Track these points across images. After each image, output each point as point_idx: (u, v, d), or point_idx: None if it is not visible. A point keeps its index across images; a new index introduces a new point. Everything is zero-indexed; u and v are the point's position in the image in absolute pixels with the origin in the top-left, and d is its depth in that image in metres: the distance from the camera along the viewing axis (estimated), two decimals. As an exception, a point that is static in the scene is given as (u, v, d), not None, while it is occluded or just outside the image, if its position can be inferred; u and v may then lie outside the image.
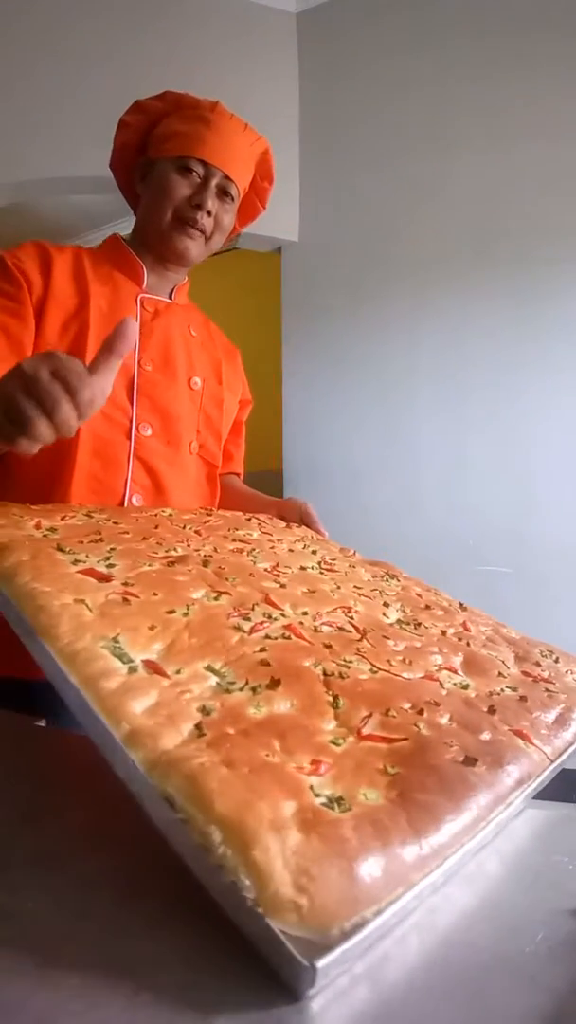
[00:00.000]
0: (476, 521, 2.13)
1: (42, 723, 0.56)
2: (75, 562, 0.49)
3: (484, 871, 0.35)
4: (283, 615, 0.51)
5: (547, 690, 0.51)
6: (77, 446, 0.82)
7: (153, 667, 0.39)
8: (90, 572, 0.48)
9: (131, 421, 0.87)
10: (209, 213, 0.90)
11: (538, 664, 0.57)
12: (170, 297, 0.99)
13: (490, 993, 0.26)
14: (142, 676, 0.38)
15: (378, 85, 2.42)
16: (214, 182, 0.89)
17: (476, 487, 2.15)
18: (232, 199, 0.93)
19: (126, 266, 0.95)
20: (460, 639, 0.57)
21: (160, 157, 0.90)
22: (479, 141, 2.22)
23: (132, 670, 0.38)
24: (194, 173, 0.88)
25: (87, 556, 0.51)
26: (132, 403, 0.88)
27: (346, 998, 0.25)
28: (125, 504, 0.85)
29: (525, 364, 2.10)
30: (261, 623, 0.48)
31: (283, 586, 0.57)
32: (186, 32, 2.41)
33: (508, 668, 0.54)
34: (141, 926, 0.29)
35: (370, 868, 0.27)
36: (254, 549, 0.66)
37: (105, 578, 0.48)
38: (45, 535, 0.54)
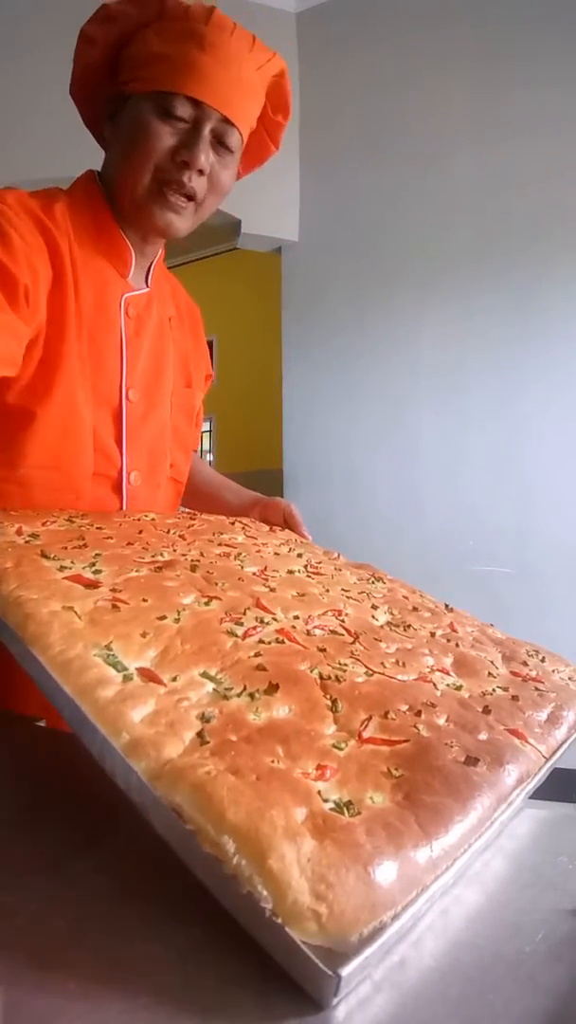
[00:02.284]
0: (476, 521, 2.13)
1: (42, 723, 0.56)
2: (61, 568, 0.48)
3: (491, 869, 0.35)
4: (275, 619, 0.51)
5: (537, 689, 0.51)
6: (76, 506, 0.69)
7: (148, 675, 0.39)
8: (77, 578, 0.47)
9: (120, 472, 0.73)
10: (201, 172, 0.67)
11: (525, 664, 0.57)
12: (147, 282, 0.78)
13: (490, 993, 0.26)
14: (138, 684, 0.37)
15: (378, 85, 2.42)
16: (207, 127, 0.66)
17: (476, 487, 2.15)
18: (232, 151, 0.70)
19: (111, 249, 0.73)
20: (448, 640, 0.58)
21: (134, 91, 0.67)
22: (479, 140, 2.23)
23: (127, 678, 0.37)
24: (180, 116, 0.65)
25: (72, 562, 0.50)
26: (121, 449, 0.72)
27: (345, 998, 0.25)
28: None
29: (526, 364, 2.11)
30: (254, 628, 0.48)
31: (272, 590, 0.57)
32: (186, 32, 2.41)
33: (497, 668, 0.54)
34: (141, 926, 0.29)
35: (385, 872, 0.27)
36: (240, 553, 0.65)
37: (93, 584, 0.47)
38: (27, 541, 0.53)
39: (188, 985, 0.25)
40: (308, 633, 0.51)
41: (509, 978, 0.27)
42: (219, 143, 0.68)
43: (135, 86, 0.67)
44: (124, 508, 0.74)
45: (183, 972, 0.26)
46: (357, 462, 2.39)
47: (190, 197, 0.69)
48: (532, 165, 2.13)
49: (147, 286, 0.78)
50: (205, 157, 0.66)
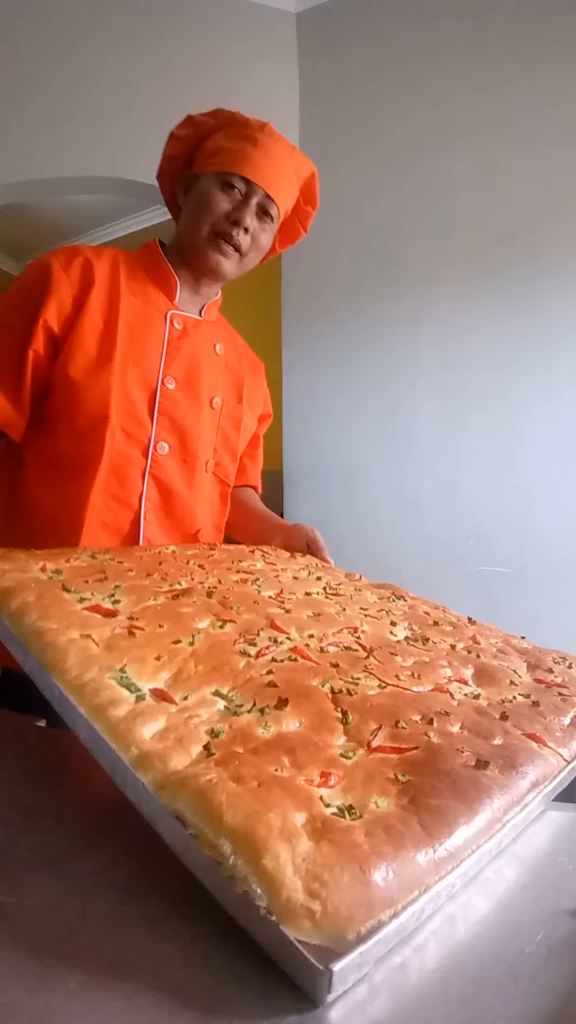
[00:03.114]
0: (476, 521, 2.13)
1: (42, 723, 0.56)
2: (81, 600, 0.50)
3: (503, 877, 0.35)
4: (288, 639, 0.51)
5: (560, 694, 0.50)
6: (99, 461, 0.84)
7: (160, 695, 0.39)
8: (96, 608, 0.49)
9: (150, 439, 0.88)
10: (246, 230, 0.89)
11: (551, 671, 0.56)
12: (200, 313, 0.99)
13: (490, 993, 0.26)
14: (149, 703, 0.38)
15: (378, 85, 2.43)
16: (255, 200, 0.89)
17: (475, 487, 2.15)
18: (272, 219, 0.92)
19: (160, 278, 0.95)
20: (470, 651, 0.57)
21: (204, 172, 0.90)
22: (479, 138, 2.24)
23: (140, 698, 0.38)
24: (235, 190, 0.88)
25: (92, 594, 0.52)
26: (152, 420, 0.89)
27: (345, 998, 0.25)
28: (141, 520, 0.87)
29: (526, 366, 2.11)
30: (267, 647, 0.48)
31: (288, 611, 0.58)
32: (186, 33, 2.41)
33: (520, 677, 0.53)
34: (141, 926, 0.29)
35: (383, 872, 0.27)
36: (258, 579, 0.66)
37: (111, 613, 0.49)
38: (50, 577, 0.55)
39: (188, 985, 0.25)
40: (322, 650, 0.51)
41: (509, 979, 0.27)
42: (262, 212, 0.91)
43: (205, 168, 0.90)
44: (148, 468, 0.88)
45: (183, 972, 0.26)
46: (356, 462, 2.38)
47: (236, 248, 0.91)
48: (532, 163, 2.13)
49: (199, 316, 0.99)
50: (250, 219, 0.89)
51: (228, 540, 1.06)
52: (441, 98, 2.30)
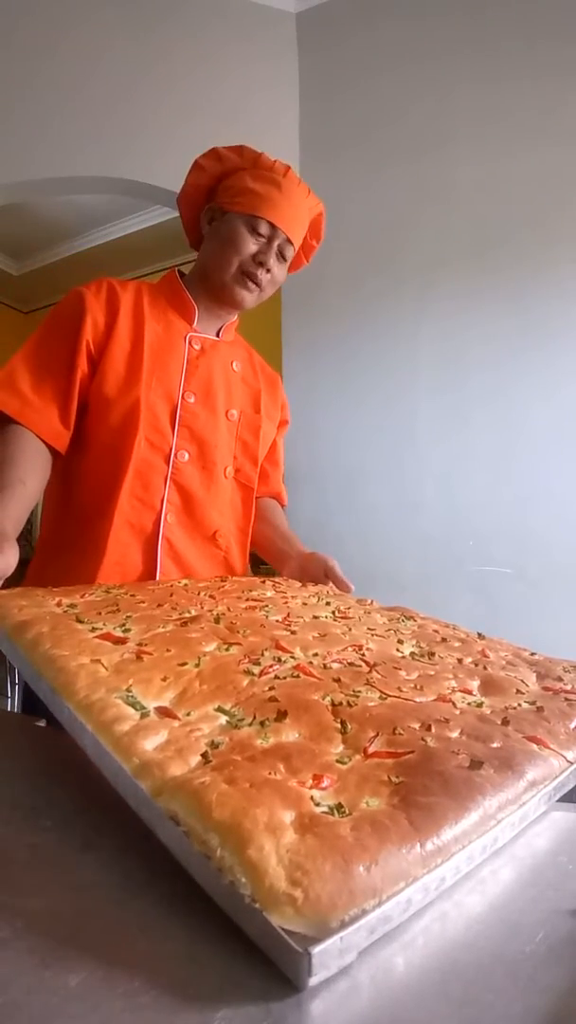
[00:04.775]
0: (476, 521, 2.12)
1: (42, 723, 0.56)
2: (92, 629, 0.53)
3: (503, 877, 0.35)
4: (292, 657, 0.52)
5: (567, 699, 0.50)
6: (127, 467, 0.92)
7: (164, 712, 0.41)
8: (107, 636, 0.51)
9: (171, 448, 0.97)
10: (268, 270, 1.00)
11: (560, 679, 0.56)
12: (218, 335, 1.08)
13: (490, 993, 0.26)
14: (153, 719, 0.40)
15: (378, 85, 2.43)
16: (277, 243, 0.98)
17: (476, 487, 2.15)
18: (286, 259, 1.03)
19: (180, 305, 1.05)
20: (477, 664, 0.57)
21: (232, 210, 0.98)
22: (479, 138, 2.24)
23: (144, 715, 0.40)
24: (260, 232, 0.97)
25: (104, 624, 0.54)
26: (173, 431, 0.98)
27: (347, 1000, 0.25)
28: (162, 520, 0.95)
29: (526, 366, 2.11)
30: (270, 666, 0.49)
31: (293, 633, 0.59)
32: (186, 33, 2.42)
33: (528, 686, 0.53)
34: (141, 926, 0.29)
35: (366, 862, 0.28)
36: (267, 605, 0.68)
37: (120, 640, 0.51)
38: (65, 611, 0.58)
39: (188, 984, 0.25)
40: (325, 667, 0.51)
41: (509, 978, 0.27)
42: (280, 254, 1.01)
43: (233, 207, 0.98)
44: (170, 474, 0.96)
45: (183, 971, 0.26)
46: (356, 462, 2.38)
47: (258, 285, 1.01)
48: (532, 162, 2.13)
49: (217, 337, 1.08)
50: (273, 262, 1.00)
51: (253, 556, 1.13)
52: (441, 98, 2.31)
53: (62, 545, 0.97)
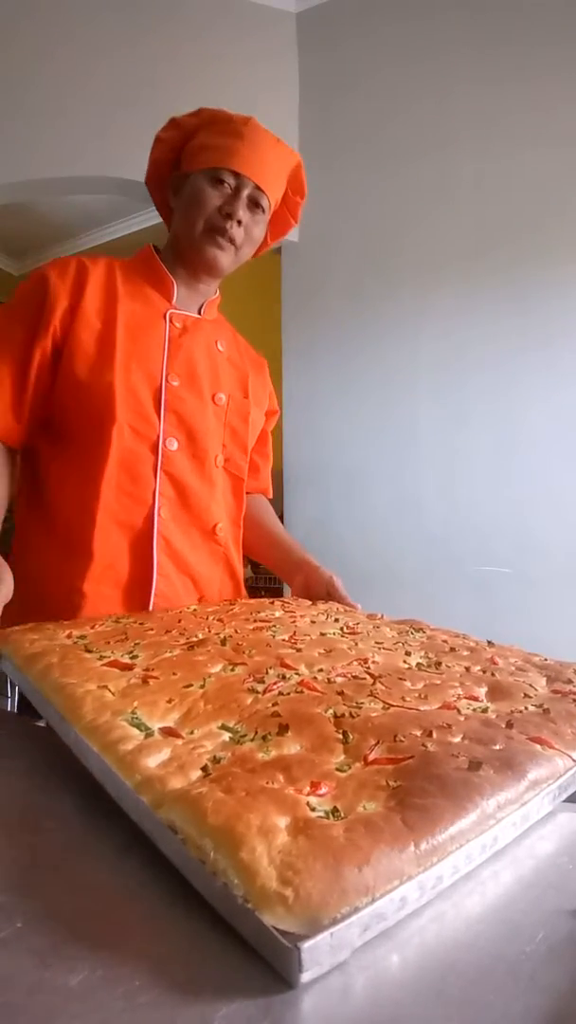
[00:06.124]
0: (476, 521, 2.12)
1: (42, 723, 0.56)
2: (100, 658, 0.54)
3: (504, 877, 0.34)
4: (297, 674, 0.53)
5: (575, 701, 0.50)
6: (107, 458, 0.85)
7: (168, 731, 0.42)
8: (114, 663, 0.53)
9: (158, 436, 0.89)
10: (239, 223, 0.91)
11: (570, 682, 0.56)
12: (199, 312, 1.00)
13: (490, 993, 0.26)
14: (157, 739, 0.40)
15: (378, 85, 2.43)
16: (245, 192, 0.90)
17: (476, 487, 2.14)
18: (263, 211, 0.94)
19: (157, 281, 0.96)
20: (485, 671, 0.57)
21: (193, 170, 0.91)
22: (480, 137, 2.25)
23: (148, 735, 0.41)
24: (226, 184, 0.89)
25: (112, 652, 0.56)
26: (159, 418, 0.90)
27: (346, 999, 0.25)
28: (155, 516, 0.88)
29: (526, 366, 2.11)
30: (274, 683, 0.50)
31: (299, 650, 0.59)
32: (186, 33, 2.41)
33: (537, 689, 0.53)
34: (141, 926, 0.29)
35: (358, 861, 0.28)
36: (274, 626, 0.68)
37: (127, 667, 0.52)
38: (75, 642, 0.59)
39: (188, 984, 0.25)
40: (329, 681, 0.52)
41: (509, 978, 0.27)
42: (254, 204, 0.92)
43: (194, 166, 0.92)
44: (160, 465, 0.89)
45: (183, 971, 0.26)
46: (356, 462, 2.38)
47: (231, 241, 0.92)
48: (532, 162, 2.13)
49: (199, 314, 1.00)
50: (243, 212, 0.90)
51: (248, 560, 1.09)
52: (441, 98, 2.31)
53: (40, 549, 0.88)
